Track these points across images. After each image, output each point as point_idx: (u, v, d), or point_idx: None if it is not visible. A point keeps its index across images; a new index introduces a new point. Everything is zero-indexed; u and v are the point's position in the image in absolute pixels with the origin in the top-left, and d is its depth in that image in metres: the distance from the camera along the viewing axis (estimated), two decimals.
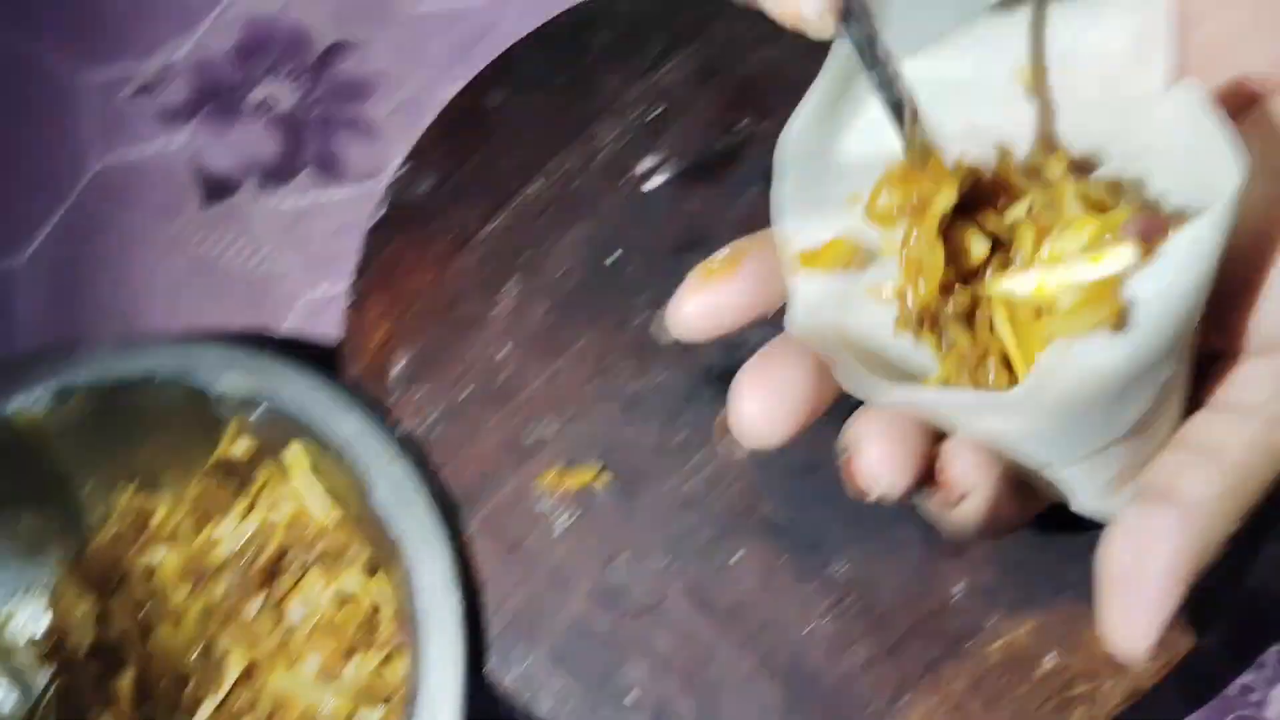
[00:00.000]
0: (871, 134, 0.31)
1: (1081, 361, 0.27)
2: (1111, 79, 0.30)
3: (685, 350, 0.47)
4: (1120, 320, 0.26)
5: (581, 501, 0.45)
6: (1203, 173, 0.27)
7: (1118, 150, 0.31)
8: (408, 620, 0.42)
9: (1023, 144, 0.32)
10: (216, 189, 0.58)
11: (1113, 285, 0.27)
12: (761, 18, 0.52)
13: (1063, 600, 0.42)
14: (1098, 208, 0.28)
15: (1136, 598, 0.29)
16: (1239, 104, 0.30)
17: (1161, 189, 0.30)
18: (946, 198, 0.29)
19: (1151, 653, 0.29)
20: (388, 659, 0.45)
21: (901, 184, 0.29)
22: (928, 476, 0.29)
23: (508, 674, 0.43)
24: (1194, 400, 0.30)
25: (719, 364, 0.47)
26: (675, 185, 0.50)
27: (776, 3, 0.23)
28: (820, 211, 0.30)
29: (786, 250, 0.31)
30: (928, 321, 0.29)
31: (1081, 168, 0.32)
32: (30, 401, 0.46)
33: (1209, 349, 0.30)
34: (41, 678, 0.47)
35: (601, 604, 0.44)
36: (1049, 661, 0.42)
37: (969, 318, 0.30)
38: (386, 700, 0.44)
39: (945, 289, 0.29)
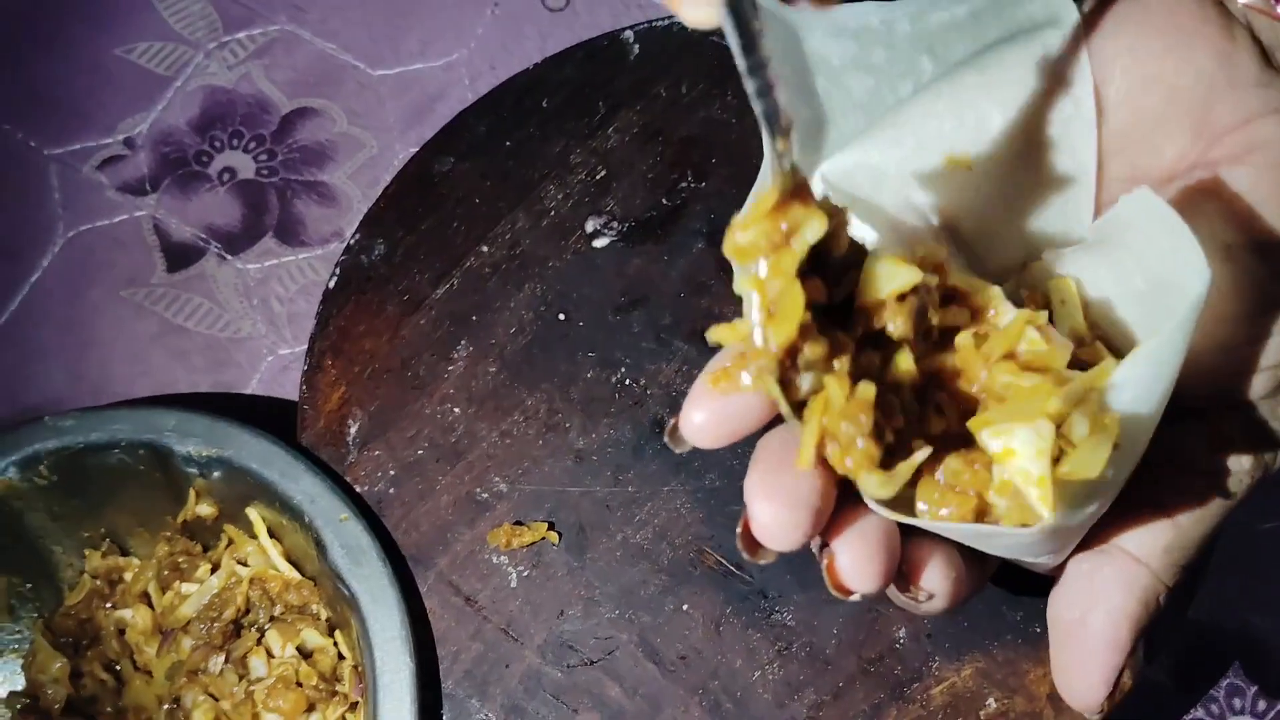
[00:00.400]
0: None
1: (1085, 486, 0.27)
2: (1043, 164, 0.31)
3: (631, 405, 0.49)
4: (1120, 437, 0.27)
5: (533, 556, 0.46)
6: (1161, 265, 0.28)
7: (1056, 238, 0.32)
8: (365, 676, 0.43)
9: (962, 223, 0.32)
10: (181, 255, 0.59)
11: (1108, 410, 0.27)
12: (702, 78, 0.54)
13: (1003, 643, 0.44)
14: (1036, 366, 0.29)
15: (1086, 649, 0.30)
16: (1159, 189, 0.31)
17: (1113, 283, 0.30)
18: (815, 229, 0.26)
19: (1106, 706, 0.30)
20: (348, 713, 0.46)
21: (769, 216, 0.27)
22: (899, 572, 0.30)
23: None
24: (1157, 454, 0.30)
25: (665, 418, 0.48)
26: (620, 244, 0.52)
27: None
28: None
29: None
30: (786, 367, 0.27)
31: (1025, 262, 0.33)
32: (0, 470, 0.47)
33: (1183, 406, 0.30)
34: None
35: (554, 656, 0.45)
36: (991, 704, 0.43)
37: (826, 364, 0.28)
38: None
39: (805, 332, 0.27)
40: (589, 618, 0.45)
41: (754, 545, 0.29)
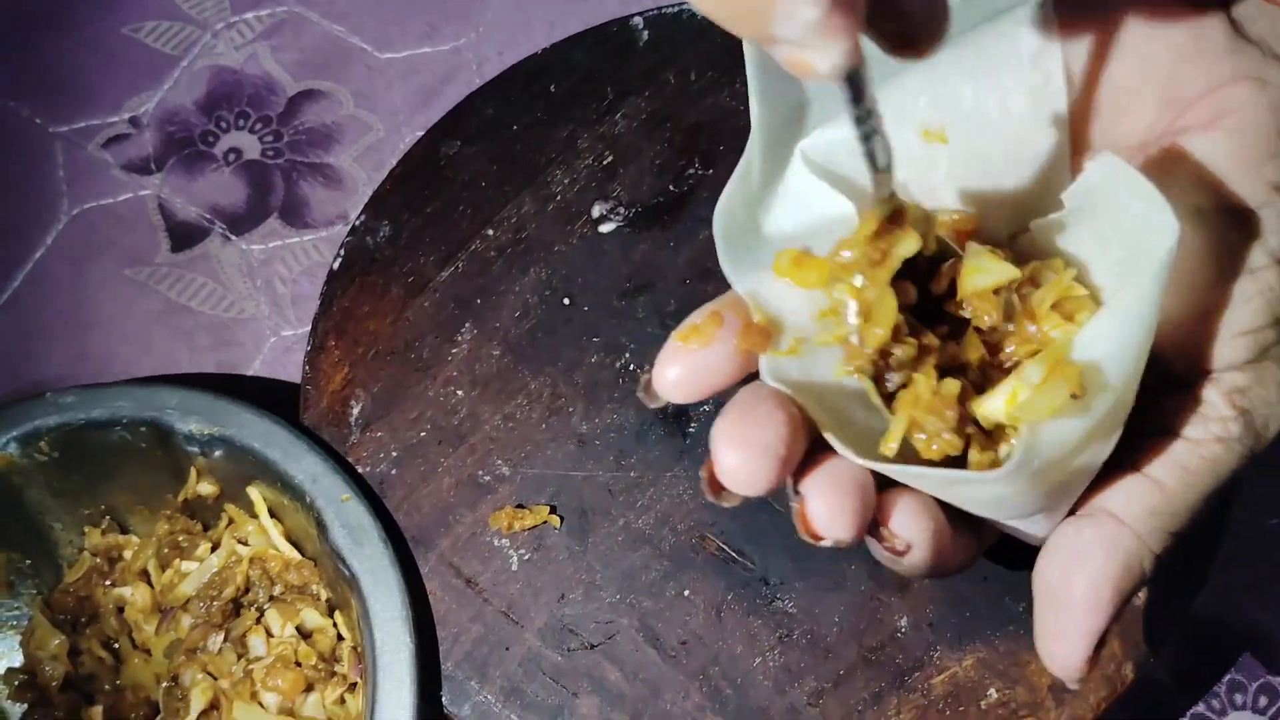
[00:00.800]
0: (793, 206, 0.32)
1: (1054, 432, 0.27)
2: (1017, 138, 0.31)
3: (635, 390, 0.48)
4: (1081, 386, 0.27)
5: (535, 539, 0.46)
6: (1134, 229, 0.28)
7: (1038, 209, 0.32)
8: (364, 656, 0.43)
9: (936, 198, 0.33)
10: (185, 235, 0.59)
11: (1069, 360, 0.28)
12: (711, 65, 0.54)
13: (1005, 634, 0.43)
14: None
15: (1067, 613, 0.29)
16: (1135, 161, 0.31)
17: (1093, 251, 0.31)
18: (909, 247, 0.29)
19: (1085, 671, 0.29)
20: (346, 693, 0.46)
21: (872, 240, 0.29)
22: (875, 525, 0.30)
23: (462, 708, 0.44)
24: (1144, 424, 0.31)
25: (670, 404, 0.48)
26: (626, 230, 0.51)
27: (787, 58, 0.23)
28: (757, 276, 0.31)
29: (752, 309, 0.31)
30: (879, 365, 0.30)
31: (1011, 234, 0.33)
32: (0, 445, 0.47)
33: (1169, 375, 0.30)
34: (15, 712, 0.47)
35: (554, 640, 0.45)
36: (992, 694, 0.43)
37: (915, 364, 0.30)
38: None
39: (897, 334, 0.30)
40: (590, 602, 0.45)
41: (718, 488, 0.29)
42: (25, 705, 0.47)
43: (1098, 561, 0.29)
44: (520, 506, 0.47)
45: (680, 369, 0.30)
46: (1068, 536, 0.30)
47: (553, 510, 0.46)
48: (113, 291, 0.58)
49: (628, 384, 0.49)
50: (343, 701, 0.46)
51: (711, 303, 0.30)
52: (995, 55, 0.31)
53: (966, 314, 0.31)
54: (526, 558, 0.46)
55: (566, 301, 0.50)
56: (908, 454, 0.29)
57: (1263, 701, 0.49)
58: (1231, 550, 0.48)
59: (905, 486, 0.30)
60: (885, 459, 0.29)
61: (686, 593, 0.45)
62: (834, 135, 0.31)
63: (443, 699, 0.44)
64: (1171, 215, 0.26)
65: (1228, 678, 0.49)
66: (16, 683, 0.47)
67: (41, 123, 0.61)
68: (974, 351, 0.30)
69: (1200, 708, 0.49)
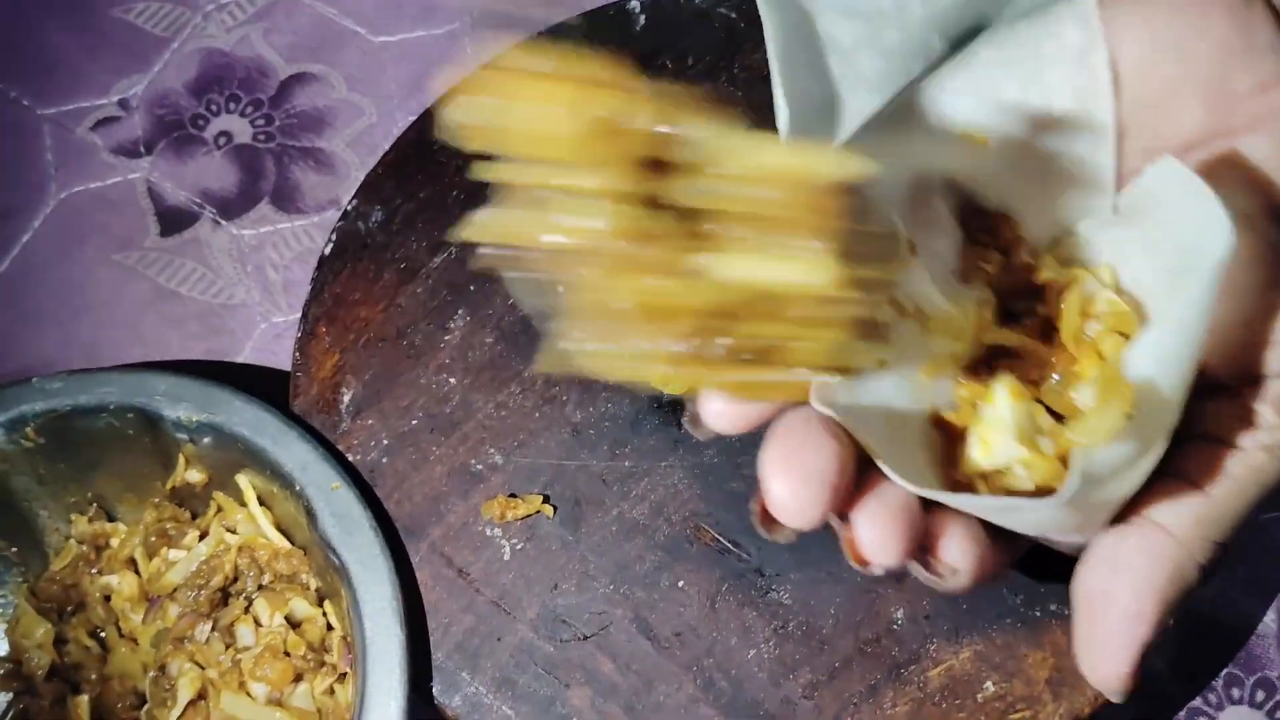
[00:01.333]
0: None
1: (1107, 453, 0.26)
2: (1061, 139, 0.31)
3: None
4: (1135, 405, 0.27)
5: (527, 529, 0.46)
6: (1187, 237, 0.28)
7: (1081, 211, 0.31)
8: (354, 646, 0.43)
9: (976, 203, 0.32)
10: (175, 220, 0.58)
11: (1122, 380, 0.27)
12: (709, 50, 0.53)
13: (1003, 627, 0.43)
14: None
15: (1108, 623, 0.28)
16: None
17: (1144, 257, 0.30)
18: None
19: (1127, 684, 0.28)
20: (336, 684, 0.45)
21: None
22: (920, 545, 0.29)
23: (453, 699, 0.43)
24: (1187, 430, 0.30)
25: (664, 393, 0.47)
26: None
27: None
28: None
29: None
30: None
31: (1054, 237, 0.32)
32: None
33: (1212, 381, 0.30)
34: (0, 701, 0.47)
35: (546, 630, 0.44)
36: (989, 687, 0.42)
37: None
38: None
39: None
40: (583, 592, 0.45)
41: (771, 522, 0.28)
42: (10, 695, 0.46)
43: (1141, 570, 0.28)
44: (513, 496, 0.46)
45: (724, 400, 0.29)
46: (1110, 545, 0.29)
47: (546, 500, 0.46)
48: (101, 276, 0.57)
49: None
50: (332, 692, 0.45)
51: None
52: (1039, 53, 0.30)
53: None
54: (519, 547, 0.46)
55: (561, 289, 0.49)
56: (960, 479, 0.29)
57: (1260, 696, 0.48)
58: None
59: (949, 507, 0.29)
60: (936, 486, 0.28)
61: (681, 584, 0.45)
62: (869, 137, 0.31)
63: (433, 690, 0.44)
64: (1228, 226, 0.25)
65: (1225, 672, 0.49)
66: (1, 671, 0.47)
67: (29, 105, 0.61)
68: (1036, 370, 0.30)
69: (1197, 702, 0.49)
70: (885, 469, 0.28)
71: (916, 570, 0.29)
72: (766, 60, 0.31)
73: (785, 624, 0.44)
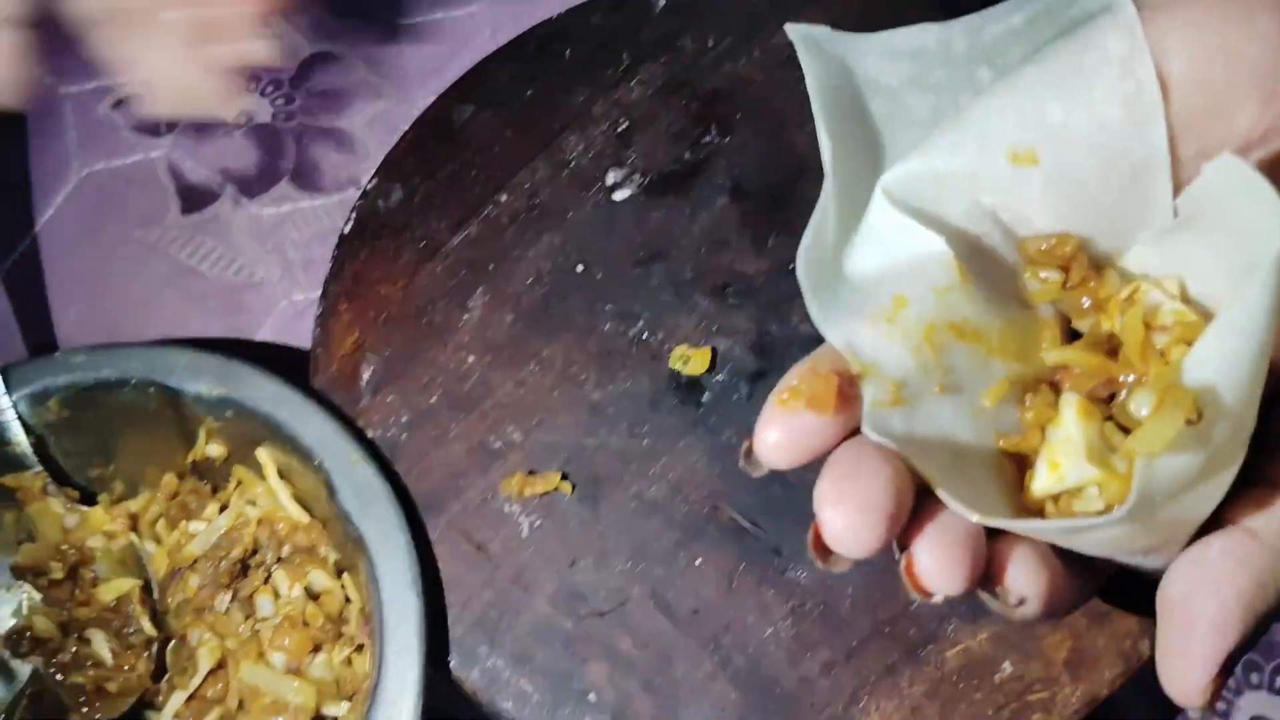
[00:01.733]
0: (878, 246, 0.30)
1: (1171, 463, 0.26)
2: (1112, 151, 0.30)
3: (649, 358, 0.48)
4: (1197, 410, 0.26)
5: (546, 506, 0.46)
6: (1252, 236, 0.27)
7: (1140, 220, 0.31)
8: (372, 618, 0.43)
9: (1030, 223, 0.31)
10: (196, 198, 0.58)
11: (1180, 385, 0.26)
12: (729, 31, 0.53)
13: None
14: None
15: (1192, 633, 0.27)
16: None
17: (1208, 262, 0.29)
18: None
19: (1207, 697, 0.27)
20: (354, 654, 0.45)
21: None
22: (988, 578, 0.28)
23: (470, 673, 0.44)
24: (1267, 434, 0.28)
25: (682, 372, 0.47)
26: (641, 197, 0.51)
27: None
28: (850, 324, 0.29)
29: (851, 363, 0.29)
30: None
31: (1109, 253, 0.32)
32: (10, 403, 0.46)
33: None
34: (23, 669, 0.47)
35: (564, 606, 0.44)
36: (1006, 668, 0.42)
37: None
38: (351, 696, 0.45)
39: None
40: (601, 569, 0.45)
41: (825, 552, 0.27)
42: (33, 663, 0.47)
43: (1225, 576, 0.27)
44: (531, 473, 0.46)
45: (781, 431, 0.28)
46: (1195, 551, 0.28)
47: (564, 477, 0.46)
48: (122, 254, 0.57)
49: (641, 352, 0.48)
50: (350, 662, 0.45)
51: (806, 359, 0.29)
52: (1082, 65, 0.29)
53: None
54: (537, 524, 0.46)
55: (580, 269, 0.50)
56: (1028, 505, 0.28)
57: (1279, 682, 0.48)
58: None
59: (1017, 535, 0.28)
60: (1001, 514, 0.27)
61: (699, 562, 0.45)
62: (916, 168, 0.30)
63: (451, 664, 0.44)
64: None
65: (1244, 658, 0.49)
66: (22, 643, 0.47)
67: (51, 82, 0.61)
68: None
69: None
70: (946, 498, 0.27)
71: (987, 600, 0.29)
72: (788, 43, 0.31)
73: (803, 603, 0.44)
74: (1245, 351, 0.25)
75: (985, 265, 0.30)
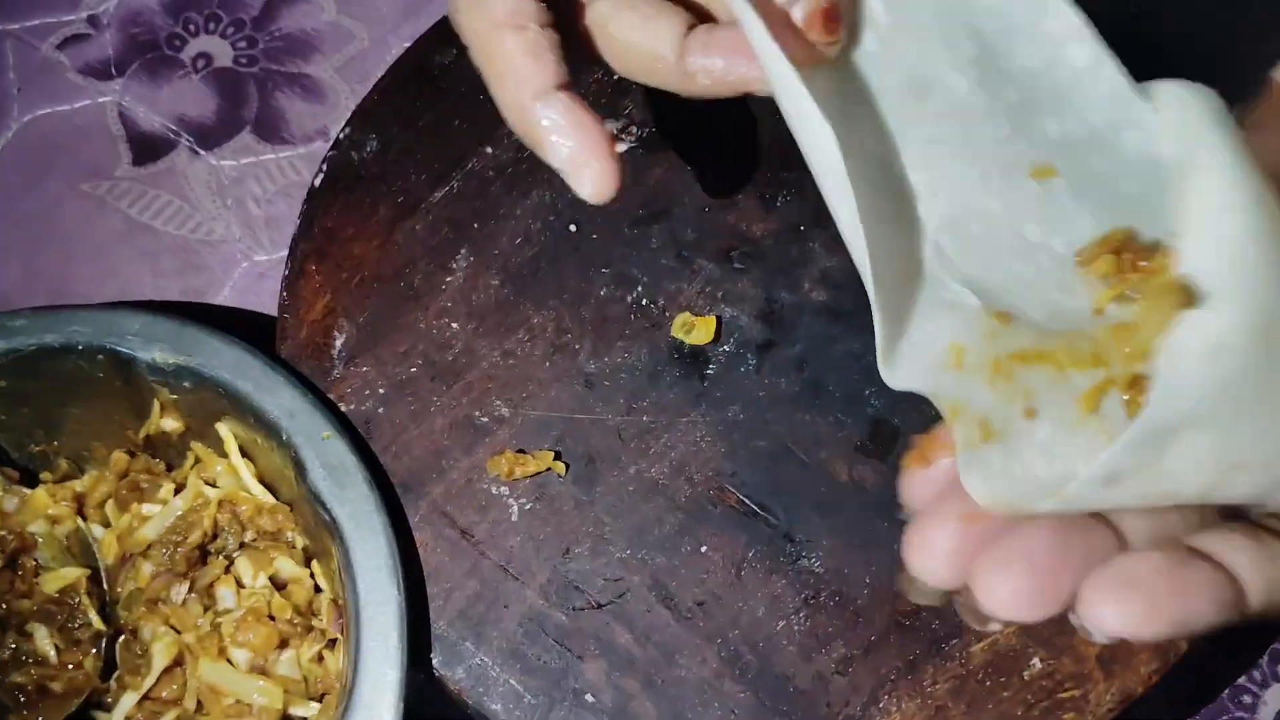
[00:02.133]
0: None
1: (1192, 342, 0.25)
2: (1118, 145, 0.29)
3: (649, 327, 0.45)
4: (1192, 296, 0.25)
5: (537, 488, 0.43)
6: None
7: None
8: (345, 610, 0.40)
9: (1077, 231, 0.31)
10: (149, 148, 0.55)
11: (1169, 279, 0.26)
12: None
13: None
14: None
15: None
16: None
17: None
18: None
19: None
20: (325, 650, 0.43)
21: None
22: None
23: (455, 671, 0.41)
24: None
25: (685, 343, 0.45)
26: (639, 152, 0.48)
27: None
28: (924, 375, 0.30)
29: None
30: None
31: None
32: None
33: None
34: None
35: (558, 598, 0.42)
36: (1035, 663, 0.40)
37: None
38: (322, 697, 0.42)
39: None
40: (597, 557, 0.42)
41: (983, 619, 0.27)
42: None
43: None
44: (521, 451, 0.43)
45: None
46: None
47: (557, 456, 0.43)
48: (69, 207, 0.54)
49: (640, 320, 0.45)
50: (320, 659, 0.43)
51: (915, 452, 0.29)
52: (1055, 79, 0.29)
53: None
54: (528, 507, 0.43)
55: (573, 228, 0.47)
56: None
57: None
58: None
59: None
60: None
61: (704, 549, 0.42)
62: (956, 207, 0.30)
63: (434, 661, 0.41)
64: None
65: (1270, 648, 0.48)
66: None
67: None
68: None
69: (1241, 680, 0.48)
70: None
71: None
72: None
73: (817, 594, 0.42)
74: (1233, 227, 0.25)
75: (1035, 300, 0.30)
